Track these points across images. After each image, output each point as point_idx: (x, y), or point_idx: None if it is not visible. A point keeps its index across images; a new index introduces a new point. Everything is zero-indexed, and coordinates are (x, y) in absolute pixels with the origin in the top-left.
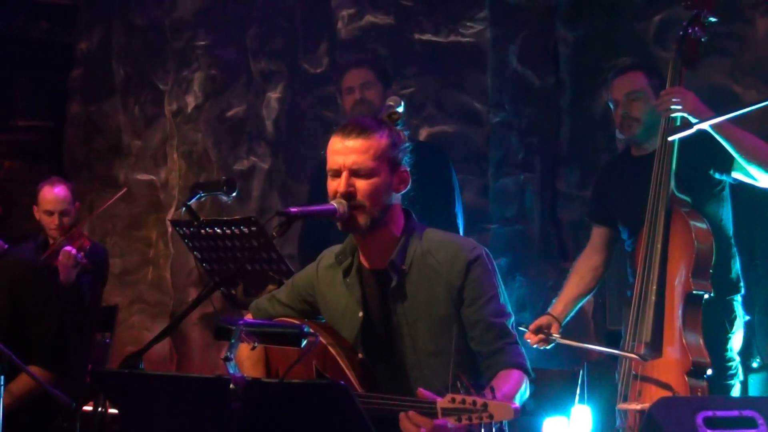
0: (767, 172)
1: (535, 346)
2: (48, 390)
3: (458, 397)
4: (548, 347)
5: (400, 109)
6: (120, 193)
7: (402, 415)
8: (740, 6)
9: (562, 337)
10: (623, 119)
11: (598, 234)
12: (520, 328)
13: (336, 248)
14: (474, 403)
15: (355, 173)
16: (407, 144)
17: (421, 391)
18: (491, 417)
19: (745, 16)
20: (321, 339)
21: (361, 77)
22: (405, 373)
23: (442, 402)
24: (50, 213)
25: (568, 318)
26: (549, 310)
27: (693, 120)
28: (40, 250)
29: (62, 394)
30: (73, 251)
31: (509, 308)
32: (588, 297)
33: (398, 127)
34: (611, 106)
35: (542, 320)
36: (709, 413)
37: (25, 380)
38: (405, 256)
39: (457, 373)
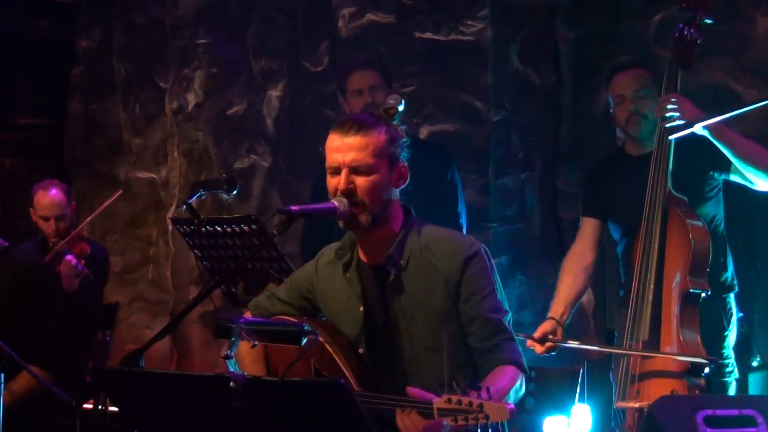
0: (764, 176)
1: (542, 354)
2: (48, 388)
3: (454, 398)
4: (554, 353)
5: (401, 108)
6: (117, 194)
7: (399, 411)
8: (740, 5)
9: (569, 341)
10: (632, 115)
11: (589, 227)
12: (521, 337)
13: (335, 245)
14: (470, 404)
15: (354, 170)
16: (405, 139)
17: (412, 390)
18: (487, 418)
19: (745, 16)
20: (319, 337)
21: (370, 80)
22: (402, 368)
23: (438, 402)
24: (46, 219)
25: (569, 320)
26: (549, 314)
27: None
28: (40, 251)
29: (62, 393)
30: (74, 261)
31: (506, 305)
32: (583, 296)
33: (395, 122)
34: (612, 102)
35: (546, 326)
36: (709, 412)
37: (25, 379)
38: (403, 250)
39: (453, 372)
